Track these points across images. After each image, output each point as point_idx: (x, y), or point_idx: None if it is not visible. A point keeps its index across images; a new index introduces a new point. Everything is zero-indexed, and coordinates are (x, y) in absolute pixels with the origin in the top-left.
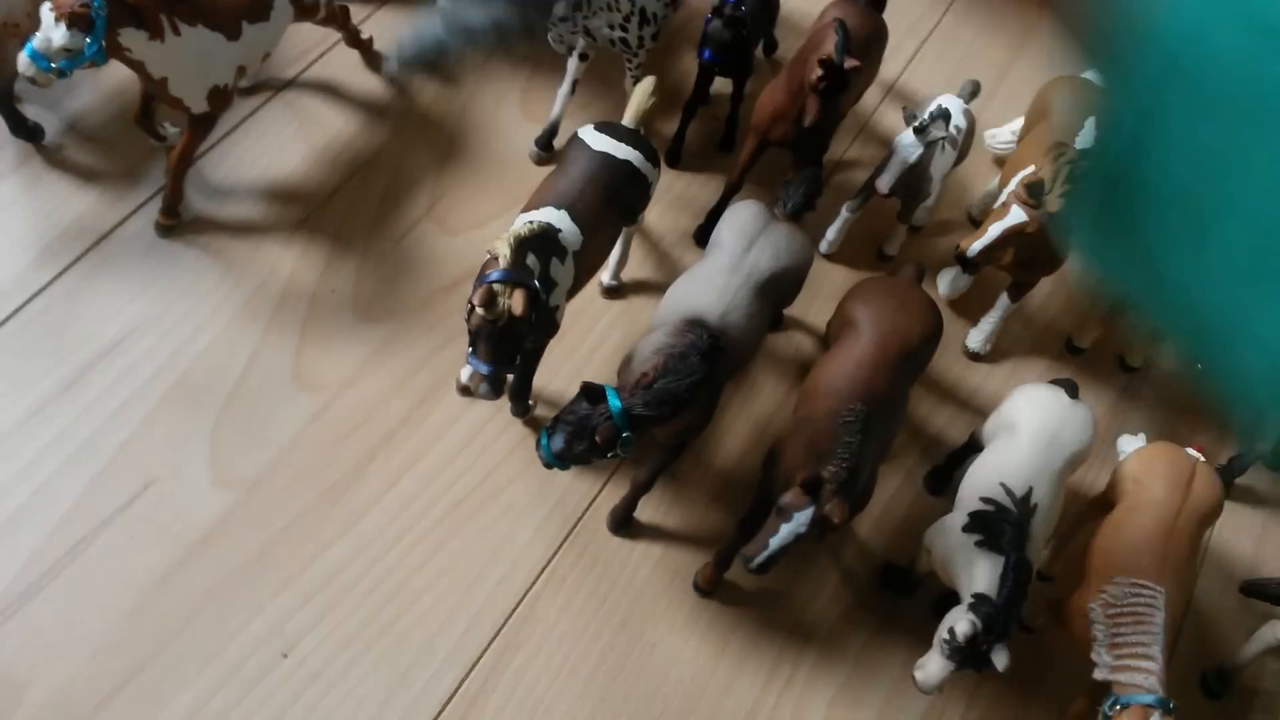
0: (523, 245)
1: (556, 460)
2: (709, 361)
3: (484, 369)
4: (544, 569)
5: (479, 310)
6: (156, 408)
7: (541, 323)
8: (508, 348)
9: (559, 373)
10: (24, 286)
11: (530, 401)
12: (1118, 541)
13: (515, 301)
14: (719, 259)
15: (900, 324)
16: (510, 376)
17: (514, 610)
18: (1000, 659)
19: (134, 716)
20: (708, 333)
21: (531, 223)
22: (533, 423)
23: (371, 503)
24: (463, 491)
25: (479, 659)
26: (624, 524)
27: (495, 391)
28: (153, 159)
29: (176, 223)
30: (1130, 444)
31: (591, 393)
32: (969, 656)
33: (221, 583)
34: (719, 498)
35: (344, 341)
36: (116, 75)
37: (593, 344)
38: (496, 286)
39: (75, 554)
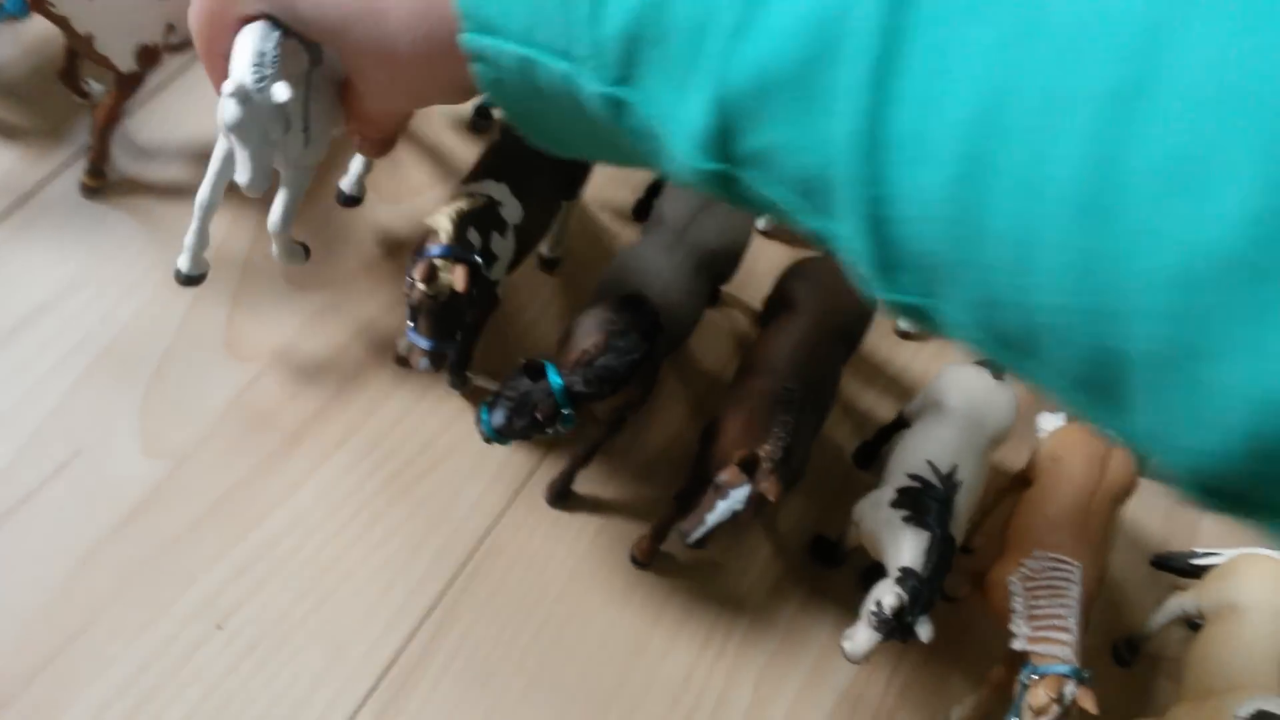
0: (464, 219)
1: (497, 435)
2: (649, 339)
3: (424, 344)
4: (482, 541)
5: (420, 286)
6: (83, 375)
7: (482, 297)
8: (449, 323)
9: (497, 345)
10: None
11: (468, 374)
12: (1037, 517)
13: (457, 277)
14: (660, 236)
15: (837, 304)
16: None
17: (452, 582)
18: (924, 631)
19: (62, 690)
20: (648, 309)
21: (473, 196)
22: (471, 395)
23: (307, 474)
24: (400, 463)
25: (416, 630)
26: (562, 496)
27: (435, 367)
28: (77, 116)
29: (102, 184)
30: (1050, 422)
31: (532, 369)
32: (895, 628)
33: (153, 555)
34: (655, 471)
35: (277, 310)
36: (38, 28)
37: (532, 317)
38: (438, 262)
39: (0, 525)
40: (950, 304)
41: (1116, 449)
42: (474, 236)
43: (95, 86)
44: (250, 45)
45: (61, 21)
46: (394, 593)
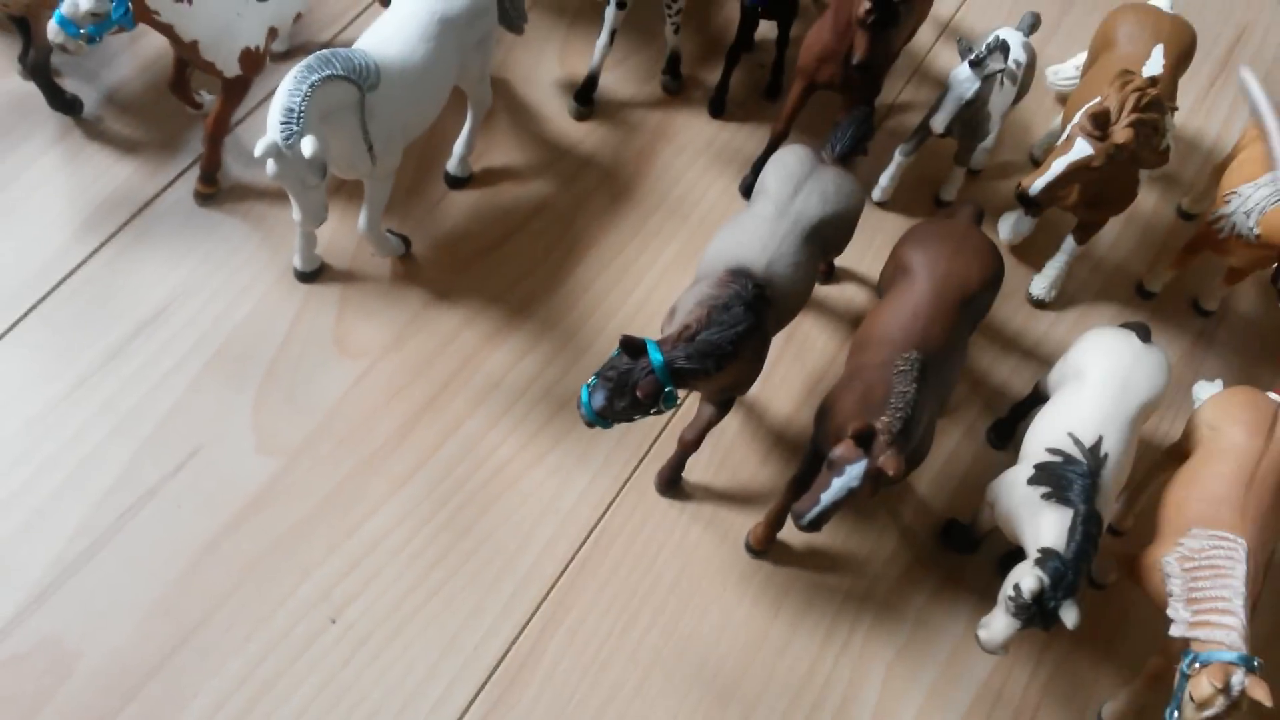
0: None
1: (598, 418)
2: (754, 312)
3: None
4: (591, 531)
5: None
6: (200, 376)
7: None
8: None
9: (607, 329)
10: (66, 259)
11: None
12: (1194, 492)
13: None
14: (764, 206)
15: (958, 268)
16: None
17: (562, 573)
18: (1069, 616)
19: (184, 683)
20: (753, 282)
21: None
22: (577, 383)
23: (415, 467)
24: (507, 454)
25: (527, 623)
26: (672, 485)
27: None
28: (191, 128)
29: (215, 191)
30: (1206, 391)
31: (632, 346)
32: (1035, 614)
33: (268, 549)
34: (769, 456)
35: (383, 306)
36: (153, 45)
37: (639, 297)
38: None
39: (123, 523)
40: None
41: None
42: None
43: (207, 97)
44: (280, 102)
45: (166, 29)
46: (503, 585)
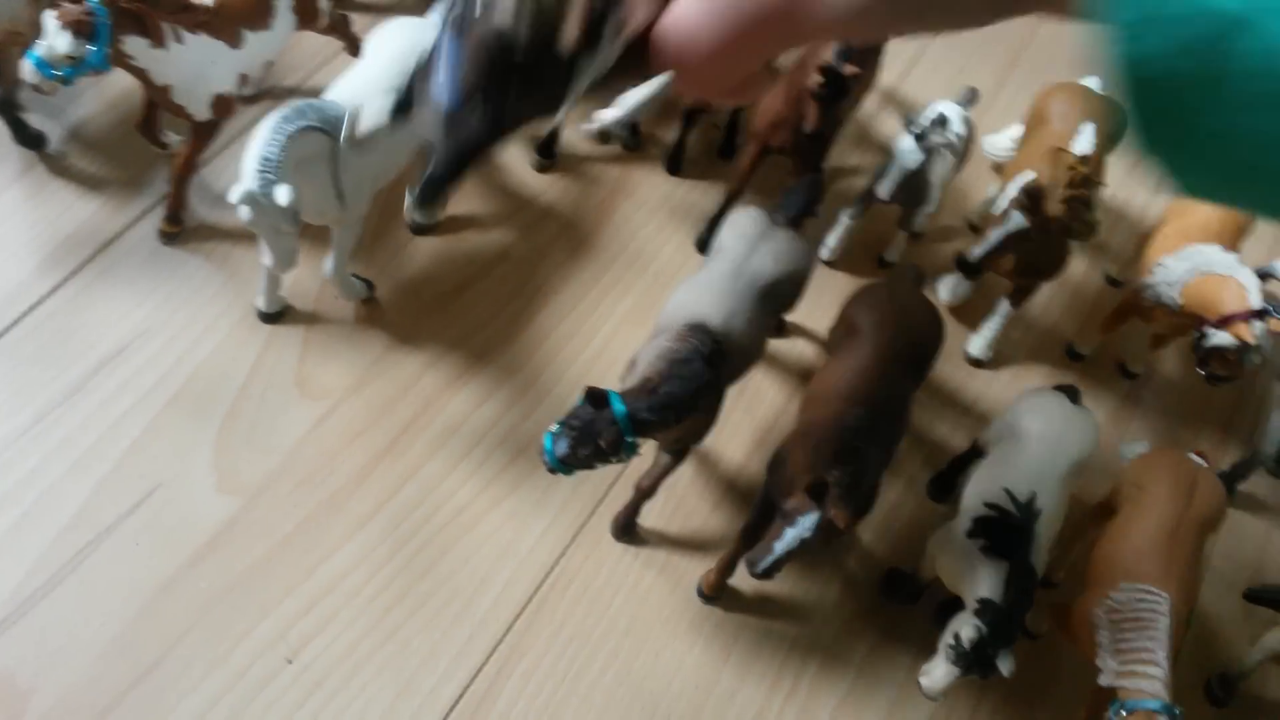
0: None
1: (560, 466)
2: (713, 366)
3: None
4: (548, 575)
5: None
6: (160, 414)
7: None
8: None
9: (565, 376)
10: (27, 294)
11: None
12: (1121, 547)
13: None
14: (721, 265)
15: (903, 329)
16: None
17: (518, 616)
18: (1005, 665)
19: None
20: (711, 337)
21: None
22: (536, 429)
23: (375, 509)
24: (466, 498)
25: (483, 665)
26: (627, 531)
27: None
28: (156, 166)
29: (180, 230)
30: (1132, 451)
31: (595, 397)
32: (974, 662)
33: (226, 589)
34: (721, 504)
35: (347, 348)
36: (120, 83)
37: (595, 350)
38: None
39: (79, 560)
40: None
41: (1204, 475)
42: None
43: (173, 137)
44: (257, 151)
45: (140, 73)
46: (460, 627)
